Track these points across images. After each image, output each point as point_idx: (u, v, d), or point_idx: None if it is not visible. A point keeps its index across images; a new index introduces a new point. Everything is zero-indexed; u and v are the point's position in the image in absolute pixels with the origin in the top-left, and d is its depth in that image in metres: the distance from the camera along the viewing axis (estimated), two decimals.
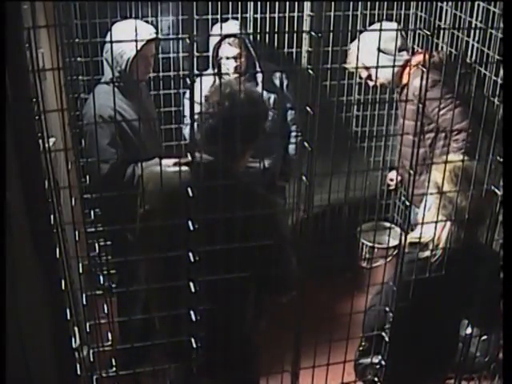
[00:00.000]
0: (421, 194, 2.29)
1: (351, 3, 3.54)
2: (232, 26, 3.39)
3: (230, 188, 1.89)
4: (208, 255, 1.87)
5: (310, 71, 1.74)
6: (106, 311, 2.04)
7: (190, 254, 1.89)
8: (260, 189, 2.27)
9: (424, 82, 1.83)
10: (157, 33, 3.10)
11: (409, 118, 2.53)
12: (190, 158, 1.83)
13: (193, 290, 1.94)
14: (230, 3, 3.51)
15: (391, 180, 3.87)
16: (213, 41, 3.37)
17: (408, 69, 3.35)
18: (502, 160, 1.91)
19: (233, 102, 2.12)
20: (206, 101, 2.18)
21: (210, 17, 3.46)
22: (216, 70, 3.46)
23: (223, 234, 1.92)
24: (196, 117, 2.01)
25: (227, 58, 3.40)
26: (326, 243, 2.91)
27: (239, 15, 3.46)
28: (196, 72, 2.00)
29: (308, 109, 1.77)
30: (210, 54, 3.42)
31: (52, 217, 1.78)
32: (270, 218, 2.13)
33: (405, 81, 3.37)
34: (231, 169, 2.20)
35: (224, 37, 3.32)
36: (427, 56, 2.18)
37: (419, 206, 2.42)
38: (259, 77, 3.51)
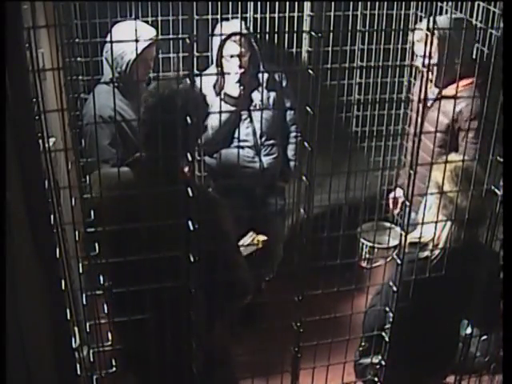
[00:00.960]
0: (422, 195, 2.29)
1: (351, 3, 3.53)
2: (237, 24, 3.39)
3: (173, 191, 1.83)
4: (154, 260, 1.84)
5: (310, 71, 1.74)
6: (105, 311, 2.04)
7: (189, 256, 1.90)
8: (206, 190, 2.21)
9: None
10: (157, 35, 3.10)
11: (440, 130, 2.49)
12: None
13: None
14: (230, 3, 3.51)
15: (394, 201, 3.72)
16: (218, 39, 3.36)
17: (464, 82, 3.04)
18: (502, 160, 1.91)
19: (160, 104, 2.07)
20: (142, 103, 2.15)
21: (209, 17, 3.46)
22: (219, 69, 3.46)
23: (168, 239, 1.86)
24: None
25: (231, 57, 3.40)
26: (326, 243, 2.91)
27: (239, 15, 3.45)
28: (196, 72, 2.00)
29: (308, 109, 1.77)
30: (215, 52, 3.41)
31: (52, 217, 1.78)
32: (214, 221, 2.08)
33: (452, 91, 3.06)
34: (173, 171, 2.12)
35: (231, 35, 3.32)
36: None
37: (417, 210, 2.41)
38: (262, 77, 3.51)
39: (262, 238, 2.86)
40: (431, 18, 3.12)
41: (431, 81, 3.26)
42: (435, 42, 2.93)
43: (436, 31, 2.92)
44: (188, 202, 1.84)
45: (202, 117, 2.24)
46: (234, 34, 3.32)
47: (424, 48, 1.94)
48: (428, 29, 2.94)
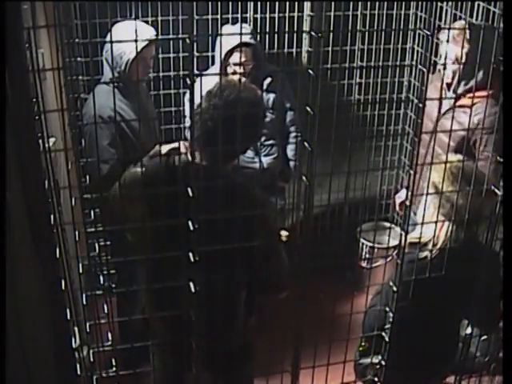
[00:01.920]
0: (421, 194, 2.29)
1: (351, 3, 3.53)
2: (243, 31, 3.38)
3: (220, 188, 1.88)
4: (200, 256, 1.88)
5: (310, 71, 1.74)
6: (105, 311, 2.04)
7: (190, 254, 1.90)
8: (251, 188, 2.26)
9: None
10: (157, 34, 3.10)
11: (454, 141, 2.46)
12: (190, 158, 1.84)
13: (191, 290, 1.94)
14: (230, 3, 3.51)
15: (400, 205, 3.66)
16: (225, 45, 3.35)
17: (483, 92, 2.77)
18: (501, 160, 1.91)
19: (232, 104, 2.09)
20: (206, 101, 2.17)
21: (209, 17, 3.46)
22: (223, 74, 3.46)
23: (215, 235, 1.90)
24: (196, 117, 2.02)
25: (234, 65, 3.40)
26: (326, 243, 2.91)
27: (239, 15, 3.45)
28: (196, 72, 2.00)
29: (308, 109, 1.77)
30: (218, 52, 3.40)
31: (52, 217, 1.78)
32: (260, 217, 2.12)
33: (469, 101, 2.94)
34: (222, 169, 2.18)
35: (238, 45, 3.31)
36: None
37: (416, 211, 2.41)
38: (265, 81, 3.51)
39: (284, 233, 2.88)
40: (462, 21, 3.10)
41: (449, 85, 3.17)
42: (466, 44, 2.89)
43: (468, 34, 2.88)
44: (188, 202, 1.84)
45: (261, 123, 2.30)
46: (242, 44, 3.31)
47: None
48: (464, 28, 2.92)
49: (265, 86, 3.51)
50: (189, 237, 1.87)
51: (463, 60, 2.98)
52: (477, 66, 2.24)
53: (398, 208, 3.73)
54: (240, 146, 1.96)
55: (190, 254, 1.89)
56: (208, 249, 1.86)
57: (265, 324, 3.22)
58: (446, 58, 3.05)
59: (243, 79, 2.31)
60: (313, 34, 1.72)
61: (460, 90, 3.09)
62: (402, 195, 3.67)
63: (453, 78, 3.10)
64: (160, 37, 3.22)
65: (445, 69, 3.11)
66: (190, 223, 1.85)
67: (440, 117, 3.10)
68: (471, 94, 2.93)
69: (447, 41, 3.00)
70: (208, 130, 2.11)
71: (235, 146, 1.88)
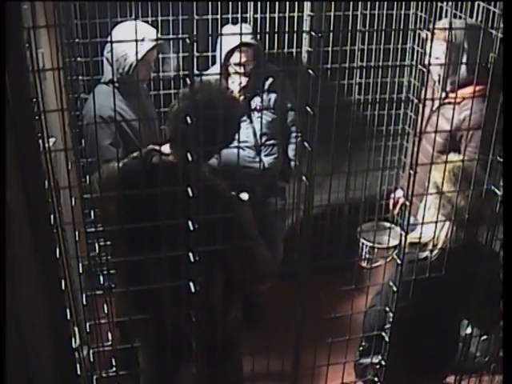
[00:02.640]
0: (420, 194, 2.29)
1: (351, 3, 3.53)
2: (244, 31, 3.37)
3: (193, 189, 1.88)
4: (174, 256, 1.89)
5: (310, 71, 1.74)
6: (105, 311, 2.04)
7: (190, 254, 1.90)
8: (225, 189, 2.27)
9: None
10: (158, 37, 3.10)
11: (442, 137, 2.46)
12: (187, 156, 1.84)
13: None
14: (230, 3, 3.51)
15: (395, 204, 3.69)
16: (226, 46, 3.35)
17: (468, 89, 2.88)
18: (501, 160, 1.91)
19: (203, 107, 2.03)
20: (180, 102, 2.16)
21: (209, 17, 3.46)
22: (224, 74, 3.46)
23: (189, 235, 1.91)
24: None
25: (235, 65, 3.40)
26: (326, 243, 2.91)
27: (239, 15, 3.45)
28: (196, 72, 2.00)
29: (308, 109, 1.77)
30: (218, 52, 3.40)
31: (52, 217, 1.78)
32: (233, 219, 2.11)
33: (459, 98, 3.00)
34: (194, 170, 2.17)
35: (240, 45, 3.31)
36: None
37: (416, 214, 2.41)
38: (267, 82, 3.51)
39: (244, 196, 2.81)
40: (446, 20, 3.13)
41: (438, 83, 3.19)
42: (444, 44, 2.91)
43: (446, 33, 2.90)
44: (188, 202, 1.84)
45: (235, 124, 2.32)
46: (243, 44, 3.31)
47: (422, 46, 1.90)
48: (429, 29, 2.95)
49: (266, 86, 3.51)
50: (171, 237, 1.87)
51: (443, 58, 2.99)
52: (468, 64, 2.26)
53: (391, 207, 3.75)
54: (211, 148, 1.95)
55: (178, 255, 1.89)
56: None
57: (264, 323, 3.23)
58: (437, 57, 3.08)
59: (218, 82, 2.30)
60: (313, 33, 1.73)
61: (448, 88, 3.11)
62: (396, 195, 3.69)
63: (439, 76, 3.13)
64: (160, 37, 3.22)
65: (429, 65, 3.14)
66: (170, 224, 1.86)
67: (431, 114, 3.12)
68: (459, 92, 2.97)
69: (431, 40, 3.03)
70: (178, 132, 2.11)
71: (205, 147, 1.87)
